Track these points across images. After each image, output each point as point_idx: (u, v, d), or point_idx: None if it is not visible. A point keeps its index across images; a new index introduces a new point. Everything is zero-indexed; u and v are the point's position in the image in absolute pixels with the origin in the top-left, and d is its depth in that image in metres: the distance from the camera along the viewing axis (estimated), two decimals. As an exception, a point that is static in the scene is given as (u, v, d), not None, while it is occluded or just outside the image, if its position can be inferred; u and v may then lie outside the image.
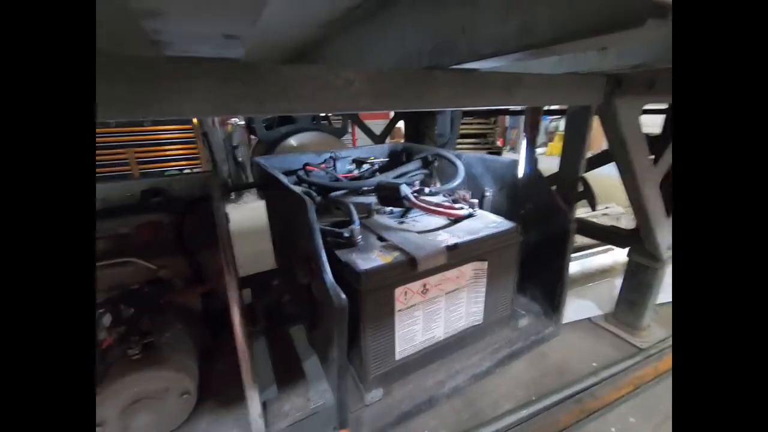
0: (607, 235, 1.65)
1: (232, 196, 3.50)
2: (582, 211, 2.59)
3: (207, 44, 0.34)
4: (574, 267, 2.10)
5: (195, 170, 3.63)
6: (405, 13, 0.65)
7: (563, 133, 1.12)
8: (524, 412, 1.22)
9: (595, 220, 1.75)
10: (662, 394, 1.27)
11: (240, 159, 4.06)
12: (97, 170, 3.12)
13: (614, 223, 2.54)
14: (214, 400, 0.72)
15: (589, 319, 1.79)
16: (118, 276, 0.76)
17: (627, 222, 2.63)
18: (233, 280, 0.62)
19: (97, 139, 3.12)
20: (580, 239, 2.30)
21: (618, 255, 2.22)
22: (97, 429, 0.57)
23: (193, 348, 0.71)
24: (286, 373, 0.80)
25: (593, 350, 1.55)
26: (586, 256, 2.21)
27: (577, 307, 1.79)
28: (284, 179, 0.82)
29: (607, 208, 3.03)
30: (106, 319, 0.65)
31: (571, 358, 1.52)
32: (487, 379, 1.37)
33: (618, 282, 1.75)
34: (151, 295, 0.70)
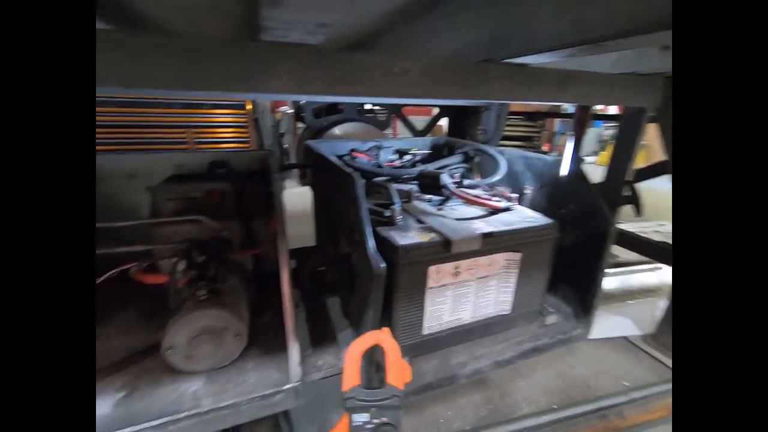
0: (656, 251, 1.56)
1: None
2: (632, 226, 2.43)
3: (296, 31, 0.40)
4: (615, 282, 2.00)
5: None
6: (464, 6, 0.68)
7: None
8: (544, 419, 1.21)
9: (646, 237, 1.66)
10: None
11: (285, 145, 4.28)
12: (160, 147, 3.43)
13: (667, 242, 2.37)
14: (258, 347, 0.81)
15: (625, 337, 1.71)
16: (189, 231, 0.88)
17: (681, 241, 2.43)
18: (284, 243, 0.71)
19: (161, 119, 3.42)
20: (624, 255, 2.18)
21: (664, 275, 2.07)
22: (168, 351, 0.69)
23: (246, 298, 0.82)
24: (321, 337, 0.89)
25: (626, 369, 1.49)
26: (629, 272, 2.09)
27: (613, 324, 1.71)
28: (334, 159, 0.90)
29: (660, 225, 2.81)
30: (181, 264, 0.77)
31: (601, 374, 1.47)
32: (510, 381, 1.37)
33: (662, 302, 1.65)
34: (217, 248, 0.81)
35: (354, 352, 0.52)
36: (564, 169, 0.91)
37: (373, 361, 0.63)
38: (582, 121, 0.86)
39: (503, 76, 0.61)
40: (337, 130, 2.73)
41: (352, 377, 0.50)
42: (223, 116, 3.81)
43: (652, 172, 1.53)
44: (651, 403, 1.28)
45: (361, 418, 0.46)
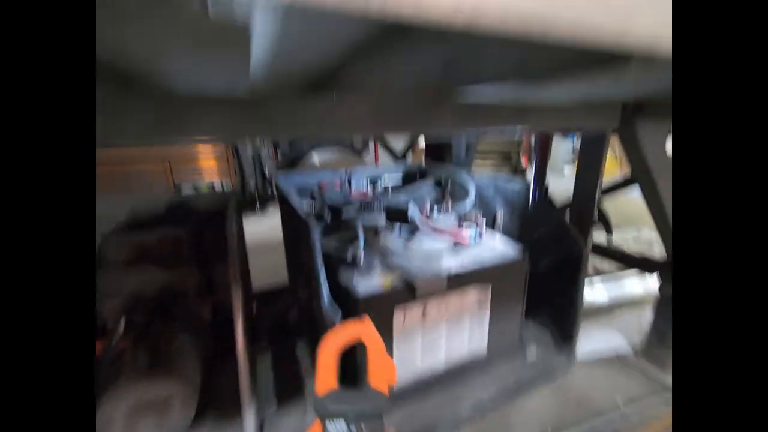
0: (636, 264, 1.55)
1: (258, 208, 3.64)
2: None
3: (216, 85, 0.38)
4: (600, 294, 1.98)
5: (225, 183, 3.76)
6: (415, 43, 0.67)
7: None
8: (539, 444, 1.14)
9: (624, 246, 1.66)
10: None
11: (267, 174, 4.25)
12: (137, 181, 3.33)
13: (646, 249, 2.40)
14: (214, 411, 0.73)
15: (614, 351, 1.67)
16: (137, 283, 0.81)
17: (661, 248, 2.47)
18: (238, 293, 0.65)
19: (136, 152, 3.34)
20: (609, 265, 2.18)
21: (649, 283, 2.07)
22: (104, 428, 0.60)
23: (199, 358, 0.74)
24: (288, 390, 0.81)
25: (617, 385, 1.43)
26: (614, 280, 2.08)
27: (601, 338, 1.68)
28: (294, 198, 0.86)
29: (636, 232, 2.85)
30: (121, 324, 0.69)
31: (593, 391, 1.41)
32: (500, 409, 1.30)
33: (649, 313, 1.63)
34: (166, 303, 0.74)
35: (330, 349, 0.43)
36: (530, 196, 0.89)
37: (353, 358, 0.55)
38: (544, 146, 0.85)
39: (455, 107, 0.59)
40: (314, 157, 2.72)
41: (327, 379, 0.42)
42: (201, 147, 3.75)
43: (623, 184, 1.54)
44: (645, 419, 1.23)
45: (335, 427, 0.40)
